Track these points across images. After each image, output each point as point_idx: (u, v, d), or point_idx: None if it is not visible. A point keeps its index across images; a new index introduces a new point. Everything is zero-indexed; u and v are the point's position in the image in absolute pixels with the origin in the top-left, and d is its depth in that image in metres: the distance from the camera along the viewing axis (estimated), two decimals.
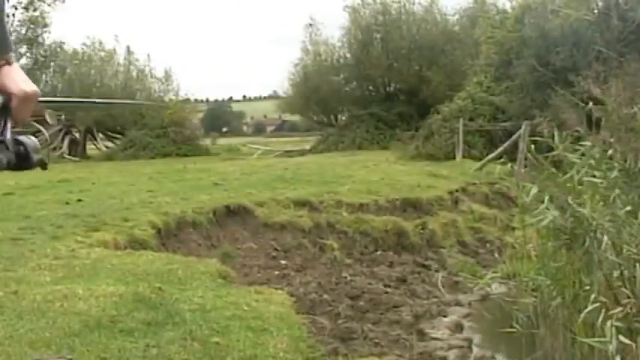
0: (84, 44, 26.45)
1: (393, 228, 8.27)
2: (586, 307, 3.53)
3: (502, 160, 11.47)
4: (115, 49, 26.47)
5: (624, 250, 3.42)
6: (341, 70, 28.06)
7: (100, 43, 26.44)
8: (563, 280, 3.94)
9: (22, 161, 1.27)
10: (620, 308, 3.14)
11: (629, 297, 3.22)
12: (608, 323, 2.97)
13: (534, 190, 3.91)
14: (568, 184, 3.85)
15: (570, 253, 3.82)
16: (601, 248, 3.44)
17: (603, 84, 4.70)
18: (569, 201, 3.58)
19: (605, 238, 3.42)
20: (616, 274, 3.43)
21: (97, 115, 24.99)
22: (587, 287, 3.56)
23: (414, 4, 26.83)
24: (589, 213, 3.45)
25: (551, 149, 4.29)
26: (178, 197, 8.47)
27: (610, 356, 2.92)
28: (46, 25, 26.63)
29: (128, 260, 5.28)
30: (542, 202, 3.83)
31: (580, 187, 3.91)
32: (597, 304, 3.24)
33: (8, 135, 1.26)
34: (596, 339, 3.11)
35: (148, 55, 29.12)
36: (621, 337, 2.92)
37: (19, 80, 1.27)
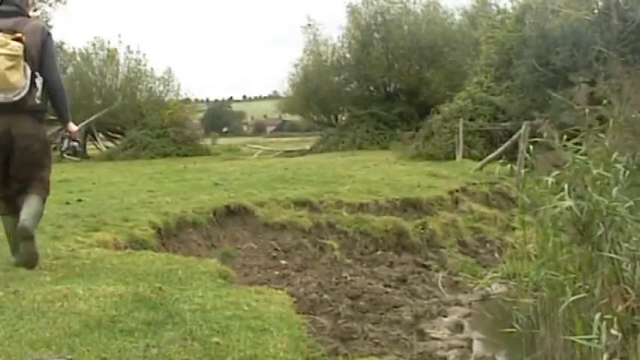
0: (91, 43, 26.42)
1: (393, 228, 8.27)
2: (585, 306, 3.55)
3: (502, 160, 11.49)
4: (116, 49, 26.44)
5: (624, 247, 3.43)
6: (341, 70, 28.06)
7: (102, 42, 26.42)
8: (564, 279, 3.94)
9: (73, 154, 5.40)
10: (616, 304, 3.13)
11: (628, 293, 3.22)
12: (597, 316, 2.96)
13: (550, 179, 3.90)
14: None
15: (572, 250, 3.83)
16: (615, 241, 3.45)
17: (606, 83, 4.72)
18: (589, 189, 3.59)
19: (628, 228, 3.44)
20: (621, 268, 3.43)
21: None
22: (587, 286, 3.56)
23: (415, 3, 26.85)
24: (609, 203, 3.46)
25: (551, 149, 4.30)
26: (178, 197, 8.48)
27: (600, 354, 2.91)
28: (47, 26, 26.64)
29: (128, 260, 5.28)
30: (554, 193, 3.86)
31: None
32: (584, 295, 3.24)
33: (65, 145, 4.66)
34: (585, 336, 3.10)
35: (144, 55, 28.96)
36: (612, 331, 2.91)
37: (73, 127, 4.63)
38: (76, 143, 4.73)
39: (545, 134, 4.30)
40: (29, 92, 4.16)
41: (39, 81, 4.22)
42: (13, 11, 4.24)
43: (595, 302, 3.27)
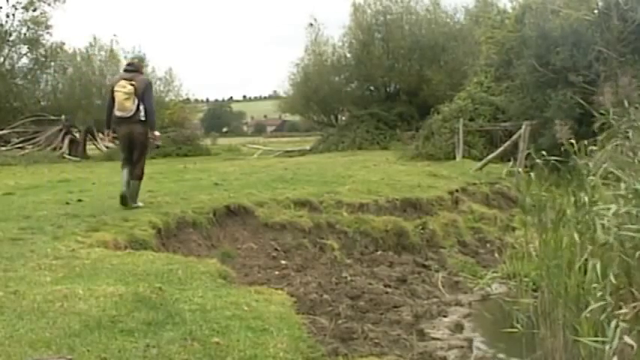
0: (89, 43, 26.42)
1: (393, 228, 8.27)
2: (587, 307, 3.54)
3: (504, 163, 11.47)
4: (117, 50, 26.43)
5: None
6: (342, 70, 28.03)
7: (102, 43, 26.42)
8: (565, 279, 3.94)
9: (156, 148, 10.13)
10: (626, 309, 3.11)
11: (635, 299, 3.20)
12: (613, 323, 2.94)
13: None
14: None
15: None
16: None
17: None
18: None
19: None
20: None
21: (97, 115, 24.97)
22: (595, 286, 3.52)
23: (417, 3, 26.80)
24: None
25: (553, 151, 4.30)
26: (178, 197, 8.48)
27: (608, 356, 2.91)
28: (48, 27, 26.67)
29: (128, 260, 5.28)
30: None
31: None
32: (602, 303, 3.21)
33: (153, 142, 8.08)
34: (597, 339, 3.09)
35: (145, 55, 28.97)
36: (626, 338, 2.89)
37: (157, 133, 8.03)
38: (158, 142, 8.48)
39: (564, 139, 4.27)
40: (136, 112, 7.61)
41: (142, 107, 7.65)
42: (133, 70, 7.87)
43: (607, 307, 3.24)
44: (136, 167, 7.81)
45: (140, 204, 7.89)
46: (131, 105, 7.56)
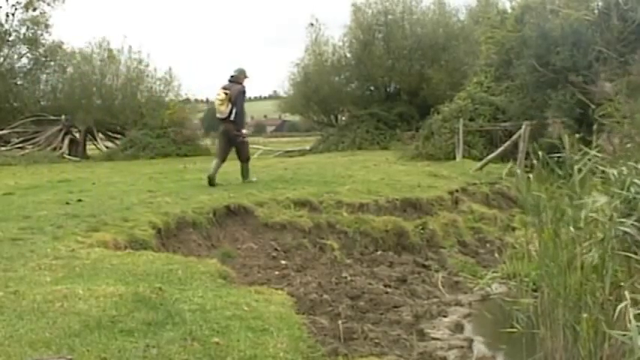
0: (88, 43, 26.42)
1: (393, 228, 8.26)
2: (588, 306, 3.54)
3: (504, 163, 11.46)
4: (117, 49, 26.39)
5: None
6: (342, 70, 27.99)
7: (103, 42, 26.39)
8: (566, 278, 3.93)
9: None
10: None
11: None
12: (633, 321, 2.93)
13: None
14: None
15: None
16: None
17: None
18: None
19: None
20: None
21: (97, 115, 24.97)
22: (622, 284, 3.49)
23: (419, 2, 26.76)
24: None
25: (552, 150, 4.30)
26: (178, 197, 8.48)
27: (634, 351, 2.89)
28: (47, 26, 26.66)
29: (128, 260, 5.28)
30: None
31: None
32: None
33: (239, 139, 10.16)
34: (625, 333, 3.07)
35: (149, 55, 28.95)
36: None
37: (244, 131, 10.41)
38: (245, 139, 10.21)
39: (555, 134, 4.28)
40: (229, 114, 9.76)
41: (234, 110, 9.76)
42: (232, 81, 9.96)
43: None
44: (241, 154, 10.15)
45: (254, 179, 10.21)
46: (225, 109, 9.74)
